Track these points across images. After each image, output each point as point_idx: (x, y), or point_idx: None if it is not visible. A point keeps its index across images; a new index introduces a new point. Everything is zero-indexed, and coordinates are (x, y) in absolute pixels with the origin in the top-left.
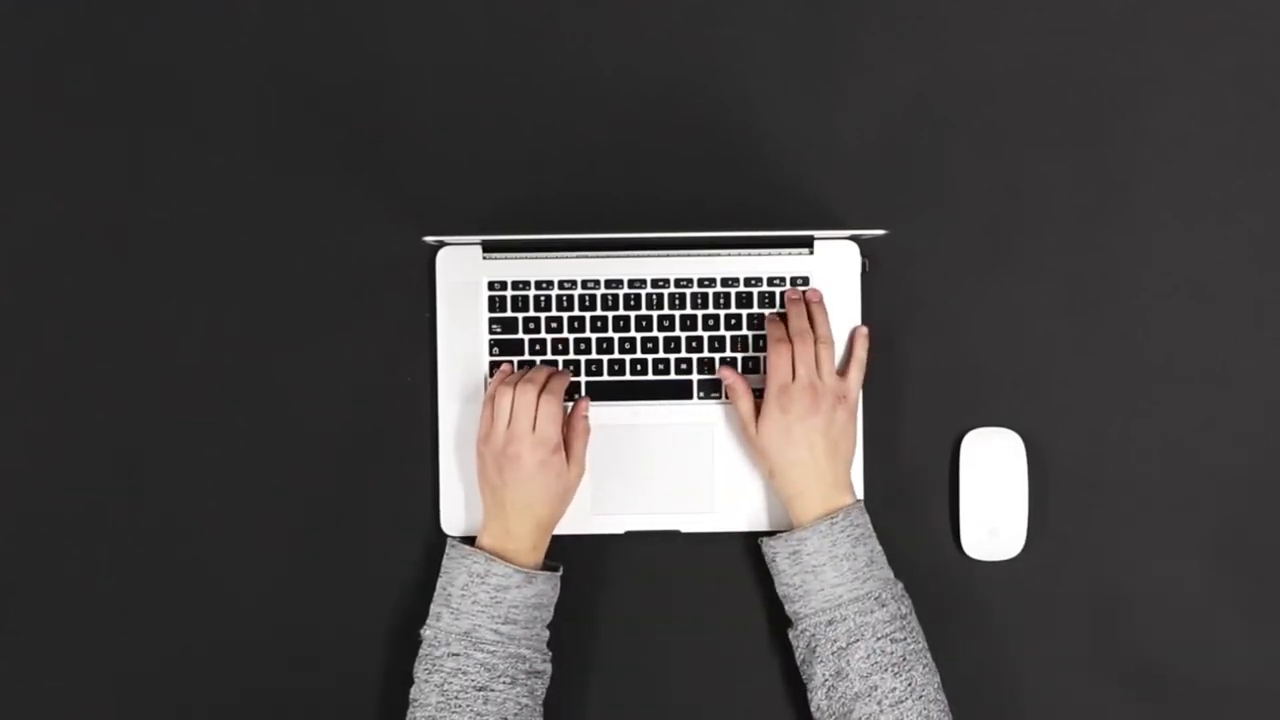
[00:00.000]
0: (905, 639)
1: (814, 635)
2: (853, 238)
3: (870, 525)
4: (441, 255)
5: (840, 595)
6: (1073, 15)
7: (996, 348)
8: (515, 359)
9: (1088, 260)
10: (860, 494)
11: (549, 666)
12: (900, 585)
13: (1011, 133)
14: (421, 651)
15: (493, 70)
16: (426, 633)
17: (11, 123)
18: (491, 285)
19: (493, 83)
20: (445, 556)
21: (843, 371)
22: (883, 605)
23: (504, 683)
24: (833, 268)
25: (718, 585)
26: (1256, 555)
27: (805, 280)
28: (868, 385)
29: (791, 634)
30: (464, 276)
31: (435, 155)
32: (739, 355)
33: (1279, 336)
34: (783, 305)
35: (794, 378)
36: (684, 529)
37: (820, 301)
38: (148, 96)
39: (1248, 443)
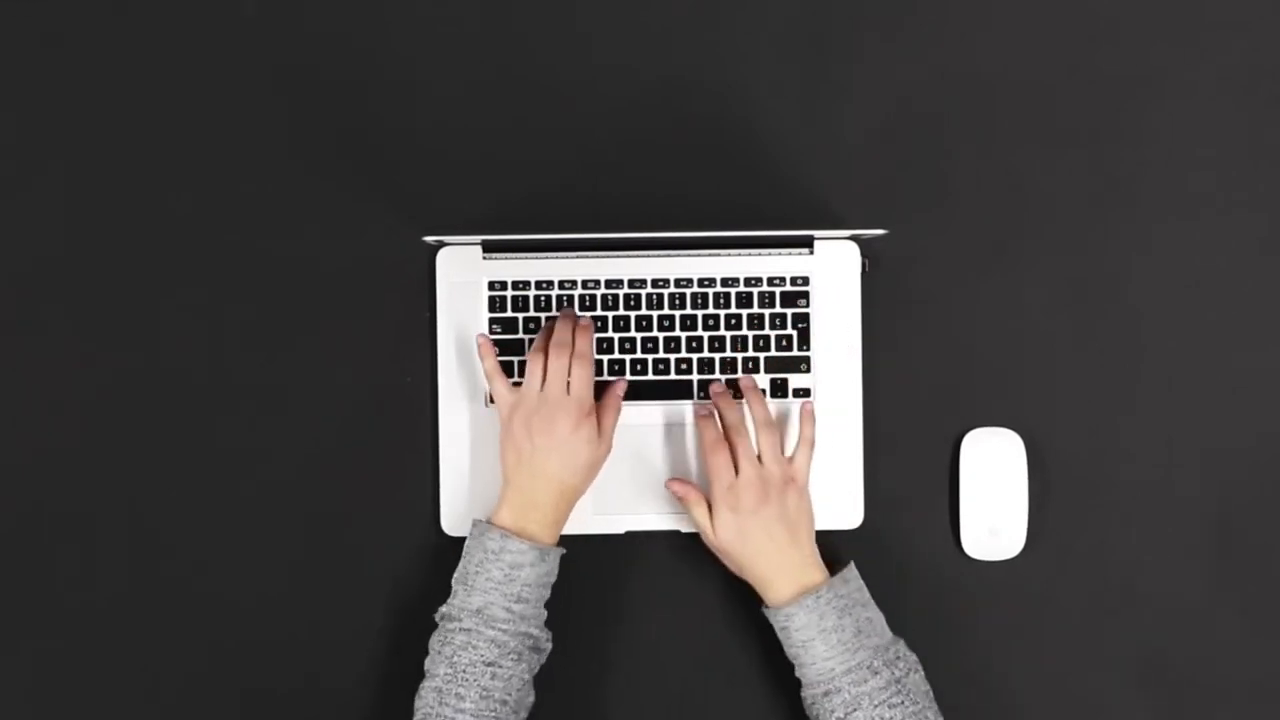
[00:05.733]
0: (902, 703)
1: (813, 705)
2: (853, 238)
3: (859, 592)
4: (441, 255)
5: (833, 668)
6: (1072, 15)
7: (996, 348)
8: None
9: (1088, 260)
10: (860, 503)
11: (550, 645)
12: (898, 645)
13: (1011, 133)
14: (439, 626)
15: (493, 70)
16: (442, 609)
17: (10, 122)
18: (491, 285)
19: (493, 83)
20: (469, 534)
21: (792, 454)
22: (875, 674)
23: (511, 659)
24: (833, 268)
25: (718, 585)
26: (1256, 555)
27: (805, 280)
28: (868, 386)
29: (801, 694)
30: (464, 276)
31: (435, 155)
32: (738, 355)
33: (1278, 336)
34: (783, 304)
35: (738, 473)
36: (684, 529)
37: (754, 386)
38: (147, 96)
39: (1248, 443)
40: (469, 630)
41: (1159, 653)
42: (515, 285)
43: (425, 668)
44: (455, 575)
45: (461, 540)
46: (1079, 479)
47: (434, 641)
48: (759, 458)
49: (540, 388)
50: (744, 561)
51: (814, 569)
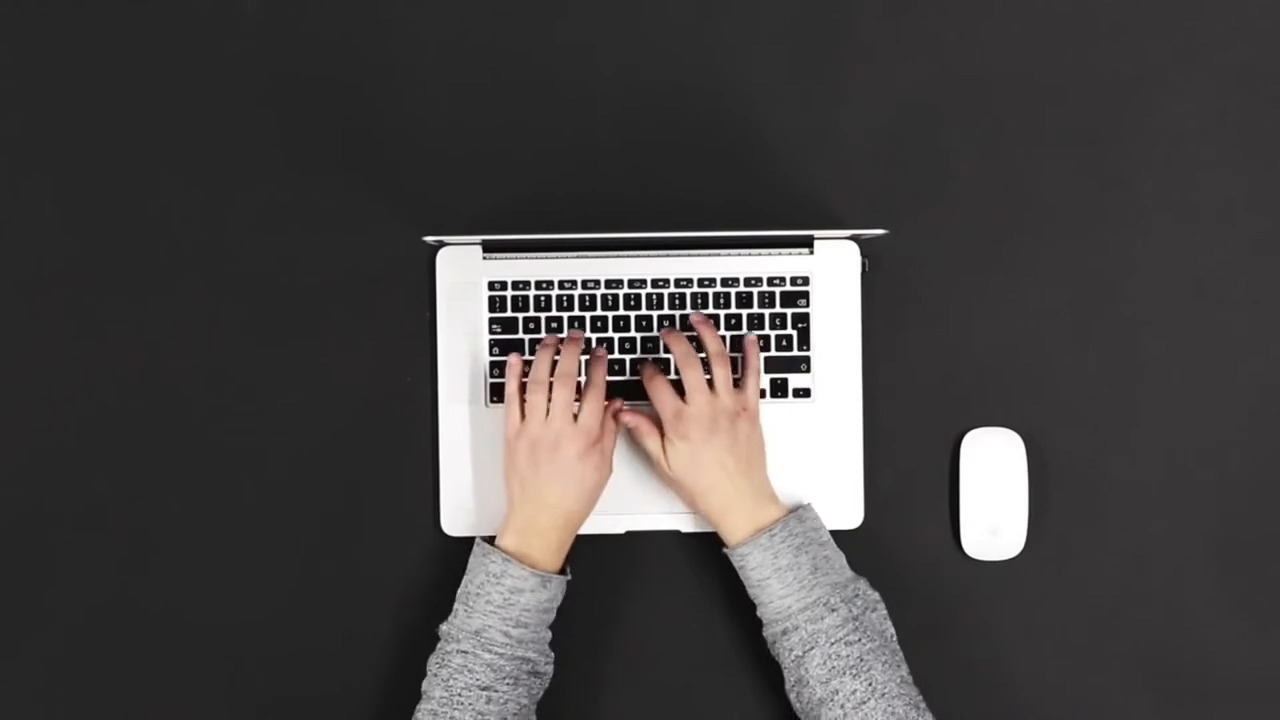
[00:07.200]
0: (860, 640)
1: (774, 644)
2: (853, 238)
3: (816, 531)
4: (441, 255)
5: (789, 605)
6: (1072, 15)
7: (996, 348)
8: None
9: (1088, 260)
10: (860, 503)
11: (551, 668)
12: (858, 584)
13: (1011, 133)
14: (438, 645)
15: (493, 70)
16: (443, 627)
17: (11, 123)
18: (491, 285)
19: (493, 83)
20: (471, 553)
21: (739, 384)
22: (832, 610)
23: (507, 684)
24: (833, 268)
25: (717, 585)
26: (1256, 555)
27: (805, 280)
28: (867, 384)
29: (763, 633)
30: (464, 276)
31: (435, 155)
32: (737, 355)
33: (1278, 336)
34: (783, 304)
35: (688, 403)
36: (684, 529)
37: (704, 320)
38: (147, 97)
39: (1248, 442)
40: (466, 653)
41: (1159, 653)
42: (515, 285)
43: (422, 689)
44: (459, 592)
45: (461, 541)
46: (1079, 479)
47: (431, 663)
48: (711, 388)
49: (544, 418)
50: (697, 493)
51: (767, 502)
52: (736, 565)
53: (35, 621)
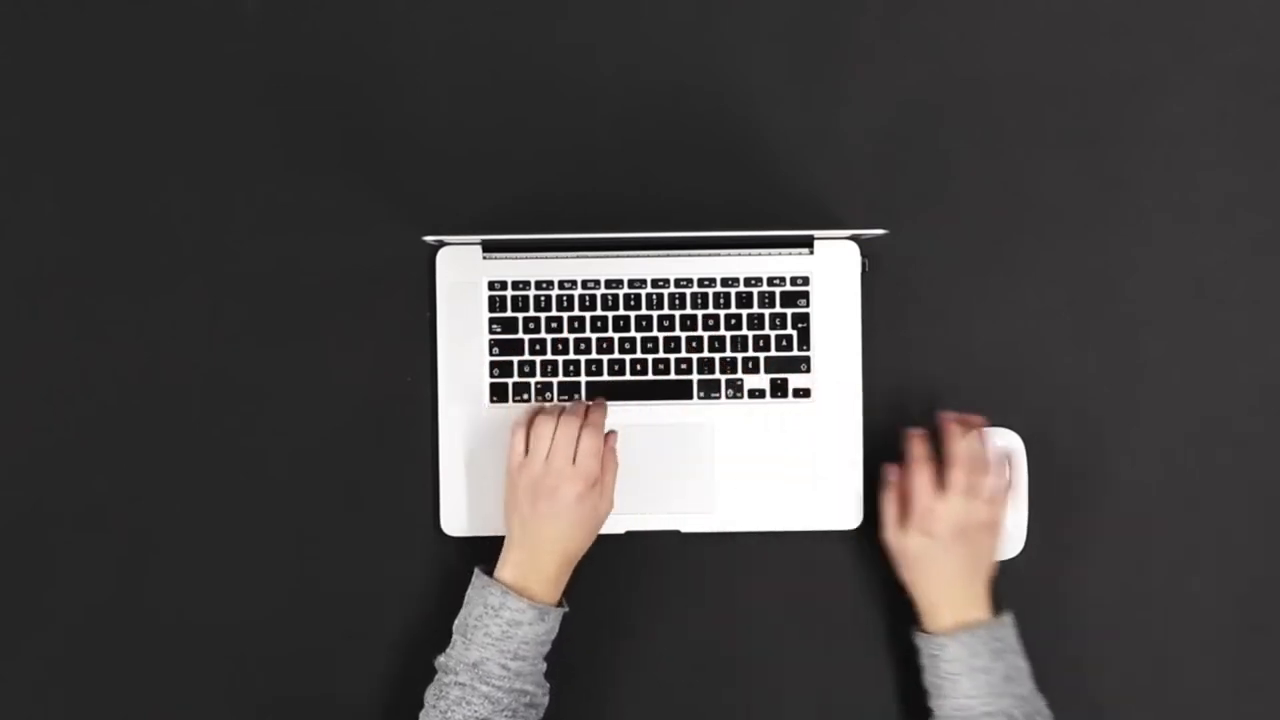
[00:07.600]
0: None
1: None
2: (853, 238)
3: (1015, 641)
4: (441, 255)
5: (973, 706)
6: (1072, 15)
7: (996, 348)
8: (536, 396)
9: (1088, 260)
10: (860, 503)
11: (547, 700)
12: (1039, 701)
13: (1011, 133)
14: (435, 677)
15: (493, 70)
16: (440, 659)
17: (11, 123)
18: (491, 285)
19: (493, 82)
20: (470, 584)
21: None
22: None
23: (504, 716)
24: (833, 268)
25: (718, 585)
26: (1256, 555)
27: (805, 280)
28: (867, 385)
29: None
30: (464, 276)
31: (435, 155)
32: (738, 355)
33: (1278, 336)
34: (783, 304)
35: (946, 499)
36: (684, 529)
37: (983, 425)
38: (148, 97)
39: (1248, 442)
40: (464, 685)
41: (1159, 652)
42: (515, 285)
43: (420, 719)
44: (456, 622)
45: (461, 541)
46: (1079, 479)
47: (429, 694)
48: (972, 492)
49: (546, 456)
50: (918, 579)
51: (979, 607)
52: (929, 653)
53: (35, 621)
